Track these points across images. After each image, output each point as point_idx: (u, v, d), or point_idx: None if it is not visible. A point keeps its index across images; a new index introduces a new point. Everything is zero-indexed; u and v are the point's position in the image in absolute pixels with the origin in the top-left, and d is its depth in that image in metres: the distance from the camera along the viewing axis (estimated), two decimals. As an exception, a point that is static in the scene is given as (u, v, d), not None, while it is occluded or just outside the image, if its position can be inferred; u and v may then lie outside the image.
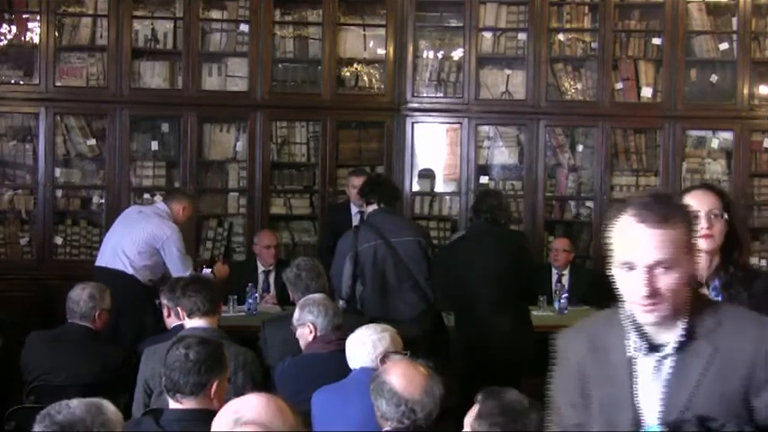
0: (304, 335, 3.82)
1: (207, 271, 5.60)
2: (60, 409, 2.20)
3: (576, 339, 2.00)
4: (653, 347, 1.87)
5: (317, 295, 3.98)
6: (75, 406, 2.20)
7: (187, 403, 2.85)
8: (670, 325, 1.86)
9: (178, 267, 5.36)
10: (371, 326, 3.46)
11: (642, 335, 1.87)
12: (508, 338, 4.80)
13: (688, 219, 1.86)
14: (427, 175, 6.84)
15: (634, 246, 1.82)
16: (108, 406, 2.25)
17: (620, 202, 1.92)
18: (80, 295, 4.22)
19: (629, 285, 1.83)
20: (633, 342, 1.88)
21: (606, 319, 1.97)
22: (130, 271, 5.39)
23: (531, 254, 5.47)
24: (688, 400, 1.82)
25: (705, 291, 2.70)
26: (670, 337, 1.86)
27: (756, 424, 1.81)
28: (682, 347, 1.85)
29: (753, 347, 1.84)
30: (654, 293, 1.80)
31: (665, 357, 1.86)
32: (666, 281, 1.81)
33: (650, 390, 1.86)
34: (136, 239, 5.42)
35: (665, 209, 1.82)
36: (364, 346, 3.34)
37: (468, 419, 2.61)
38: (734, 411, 1.81)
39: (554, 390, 2.04)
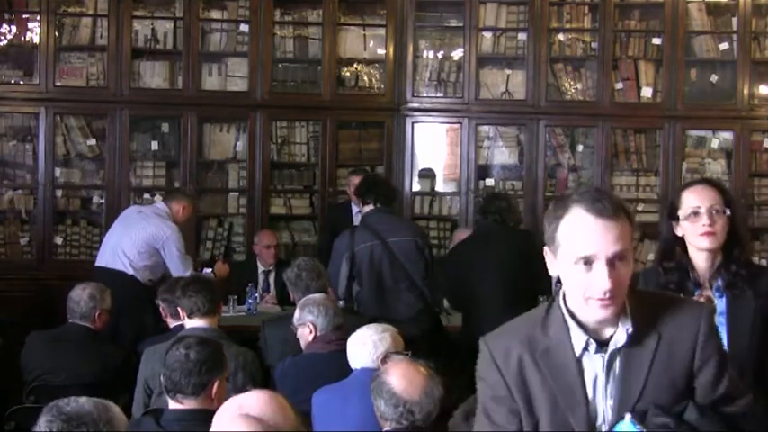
0: (304, 335, 3.82)
1: (207, 271, 5.61)
2: (69, 401, 2.20)
3: (508, 342, 1.93)
4: (600, 344, 1.86)
5: (317, 295, 3.98)
6: (83, 401, 2.21)
7: (187, 403, 2.85)
8: (614, 320, 1.85)
9: (178, 267, 5.37)
10: (372, 326, 3.45)
11: (586, 332, 1.86)
12: None
13: (629, 213, 1.87)
14: (427, 175, 6.83)
15: (593, 240, 1.80)
16: (114, 407, 2.25)
17: (560, 200, 1.90)
18: (80, 295, 4.22)
19: (587, 281, 1.81)
20: (582, 341, 1.86)
21: (537, 319, 1.95)
22: (130, 271, 5.40)
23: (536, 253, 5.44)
24: (640, 391, 1.83)
25: (708, 292, 2.65)
26: (614, 332, 1.85)
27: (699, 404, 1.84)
28: (628, 340, 1.85)
29: (693, 331, 1.87)
30: (615, 287, 1.79)
31: (615, 353, 1.86)
32: (623, 273, 1.81)
33: (602, 386, 1.86)
34: (136, 240, 5.42)
35: (612, 203, 1.83)
36: (365, 346, 3.34)
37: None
38: (682, 395, 1.84)
39: (485, 397, 1.94)
